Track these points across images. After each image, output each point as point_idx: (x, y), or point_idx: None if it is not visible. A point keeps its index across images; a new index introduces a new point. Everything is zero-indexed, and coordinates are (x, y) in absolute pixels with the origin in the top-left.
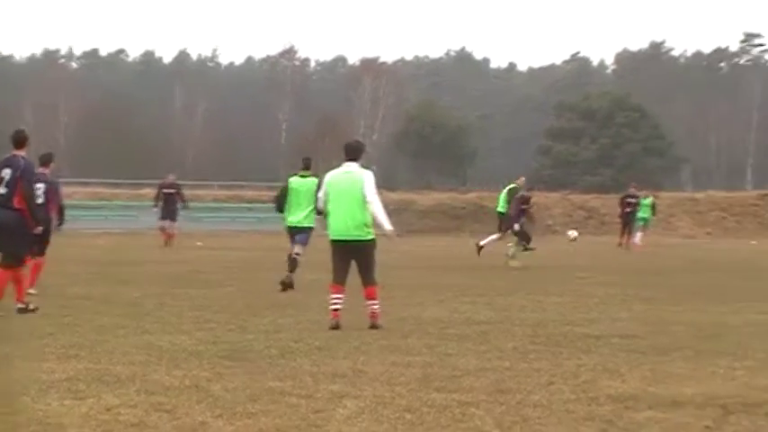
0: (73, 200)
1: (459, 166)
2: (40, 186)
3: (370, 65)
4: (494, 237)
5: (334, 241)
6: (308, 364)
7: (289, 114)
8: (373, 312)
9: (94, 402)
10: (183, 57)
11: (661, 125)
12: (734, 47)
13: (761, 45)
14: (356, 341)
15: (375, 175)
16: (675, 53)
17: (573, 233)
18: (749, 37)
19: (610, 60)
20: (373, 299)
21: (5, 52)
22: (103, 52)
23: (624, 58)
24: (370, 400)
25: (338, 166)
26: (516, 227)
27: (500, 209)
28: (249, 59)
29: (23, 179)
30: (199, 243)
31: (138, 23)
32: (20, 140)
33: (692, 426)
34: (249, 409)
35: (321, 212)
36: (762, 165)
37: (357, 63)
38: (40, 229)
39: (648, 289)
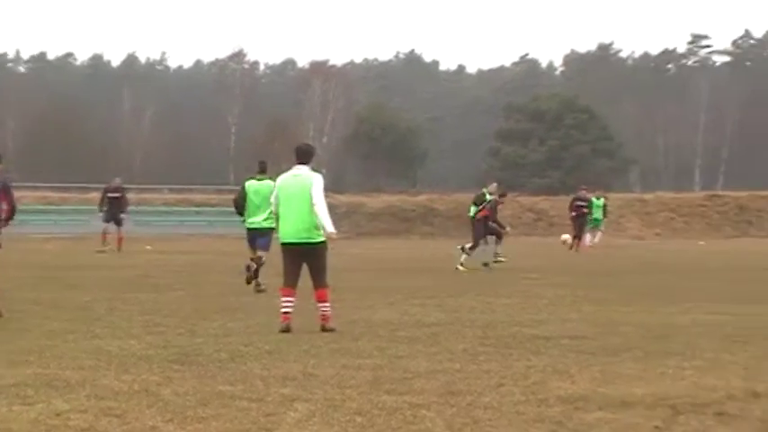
0: (21, 204)
1: (409, 168)
2: None
3: (319, 68)
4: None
5: (284, 244)
6: (258, 368)
7: (238, 118)
8: (324, 315)
9: (44, 408)
10: (131, 60)
11: (609, 126)
12: (681, 48)
13: (708, 46)
14: (306, 344)
15: (325, 178)
16: (623, 54)
17: (565, 236)
18: (696, 38)
19: (558, 62)
20: (324, 302)
21: None
22: (51, 56)
23: (572, 59)
24: (321, 404)
25: (288, 169)
26: (508, 229)
27: (470, 214)
28: (198, 63)
29: None
30: (148, 247)
31: (86, 27)
32: None
33: (642, 426)
34: (200, 413)
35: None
36: (709, 166)
37: (306, 66)
38: None
39: (598, 290)
